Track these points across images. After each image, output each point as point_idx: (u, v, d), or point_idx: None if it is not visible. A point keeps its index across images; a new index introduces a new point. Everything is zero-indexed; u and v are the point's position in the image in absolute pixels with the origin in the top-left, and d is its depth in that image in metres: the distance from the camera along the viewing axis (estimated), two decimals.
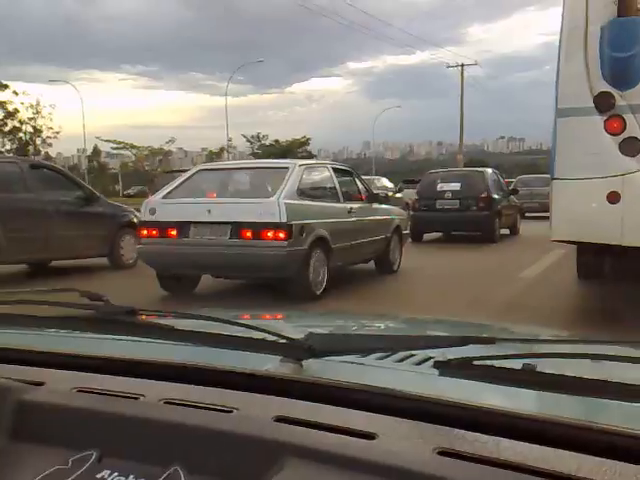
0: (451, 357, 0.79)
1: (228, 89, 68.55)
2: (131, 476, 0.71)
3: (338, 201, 7.45)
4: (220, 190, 7.16)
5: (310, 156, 53.29)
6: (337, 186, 7.51)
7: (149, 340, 0.92)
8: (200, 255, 6.44)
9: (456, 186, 13.71)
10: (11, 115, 51.23)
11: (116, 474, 0.71)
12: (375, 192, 9.00)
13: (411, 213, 13.98)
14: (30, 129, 51.96)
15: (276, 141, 54.34)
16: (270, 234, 6.19)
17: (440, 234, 14.37)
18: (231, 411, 0.75)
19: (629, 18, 4.66)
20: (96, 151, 59.42)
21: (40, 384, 0.84)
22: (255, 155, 52.05)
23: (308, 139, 55.60)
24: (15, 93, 50.83)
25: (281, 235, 6.18)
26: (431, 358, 0.88)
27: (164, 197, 6.88)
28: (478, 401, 0.72)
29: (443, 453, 0.65)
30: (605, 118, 4.71)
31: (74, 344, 1.00)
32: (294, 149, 51.96)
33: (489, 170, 15.18)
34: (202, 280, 7.26)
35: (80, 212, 8.93)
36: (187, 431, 0.72)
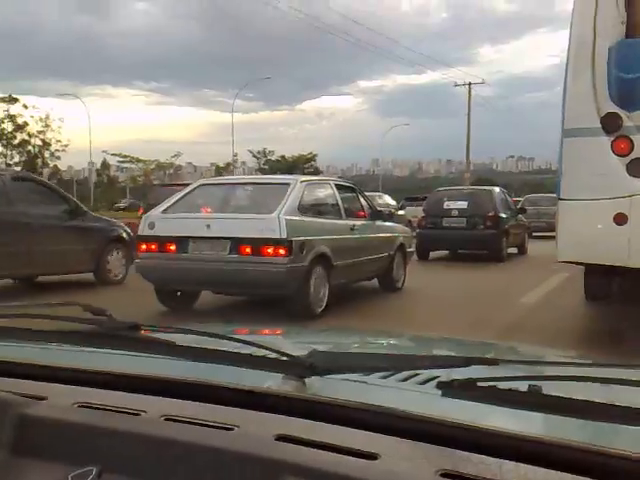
0: (455, 377, 0.79)
1: (239, 106, 69.15)
2: None
3: (340, 218, 7.34)
4: (220, 205, 7.07)
5: (317, 172, 53.37)
6: (339, 203, 7.40)
7: (151, 355, 0.92)
8: (199, 271, 6.34)
9: (463, 204, 13.60)
10: (20, 128, 51.68)
11: None
12: (379, 209, 8.89)
13: (417, 231, 13.88)
14: (39, 142, 52.36)
15: (282, 157, 54.53)
16: (270, 250, 6.09)
17: (446, 252, 14.23)
18: (232, 428, 0.74)
19: (638, 39, 4.63)
20: (105, 164, 59.71)
21: (42, 398, 0.83)
22: (262, 170, 52.24)
23: (314, 155, 55.75)
24: (25, 106, 51.38)
25: (281, 251, 6.07)
26: (435, 378, 0.87)
27: (164, 211, 6.80)
28: (482, 423, 0.72)
29: (446, 475, 0.64)
30: (612, 139, 4.64)
31: (77, 359, 0.98)
32: (300, 165, 52.06)
33: (496, 189, 15.06)
34: (202, 295, 7.15)
35: (65, 226, 8.58)
36: (188, 448, 0.71)
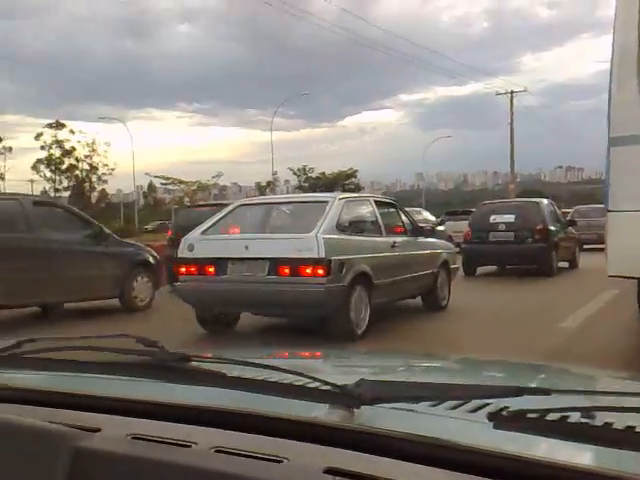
0: (505, 407, 0.79)
1: (281, 124, 69.84)
2: None
3: (381, 235, 7.19)
4: (259, 225, 7.02)
5: (357, 188, 53.06)
6: (379, 219, 7.25)
7: (201, 386, 0.92)
8: (238, 292, 6.28)
9: (510, 218, 13.24)
10: (68, 153, 53.24)
11: None
12: (420, 225, 8.70)
13: (463, 246, 13.59)
14: (86, 166, 53.78)
15: (322, 174, 54.47)
16: (308, 270, 5.98)
17: (494, 268, 13.86)
18: (281, 461, 0.74)
19: None
20: (151, 187, 60.96)
21: (96, 430, 0.84)
22: (301, 188, 52.25)
23: (355, 171, 55.42)
24: (72, 132, 52.99)
25: (320, 271, 5.95)
26: (485, 406, 0.86)
27: (203, 232, 6.78)
28: (532, 454, 0.70)
29: None
30: None
31: (129, 389, 1.00)
32: (341, 181, 51.90)
33: (545, 201, 14.64)
34: (242, 317, 7.08)
35: (87, 251, 8.40)
36: None
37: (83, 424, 0.86)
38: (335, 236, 6.25)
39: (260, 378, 0.93)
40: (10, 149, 52.01)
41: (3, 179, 51.00)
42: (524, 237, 12.82)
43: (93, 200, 57.42)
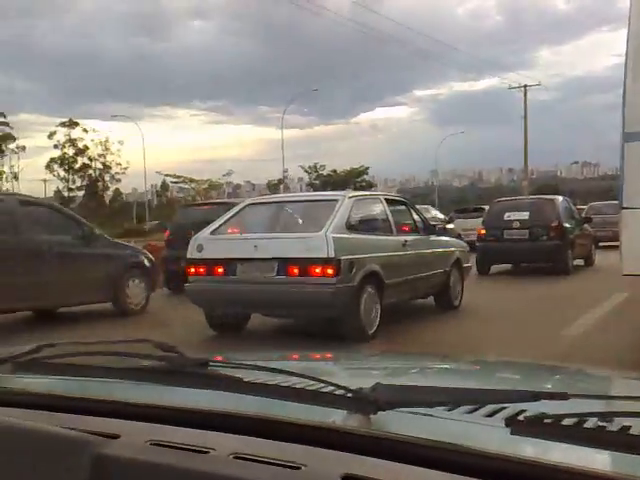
0: (523, 412, 0.81)
1: (295, 122, 69.65)
2: None
3: (391, 234, 7.10)
4: (268, 224, 6.96)
5: (369, 185, 52.76)
6: (390, 218, 7.15)
7: (220, 392, 0.92)
8: (247, 293, 6.23)
9: (525, 215, 13.07)
10: (81, 152, 53.42)
11: None
12: (432, 223, 8.59)
13: (477, 244, 13.44)
14: (99, 165, 53.91)
15: (334, 171, 54.22)
16: (318, 270, 5.91)
17: (508, 266, 13.70)
18: (299, 467, 0.74)
19: None
20: (164, 186, 61.00)
21: (116, 436, 0.85)
22: (312, 186, 52.05)
23: (366, 168, 55.08)
24: (85, 130, 53.23)
25: (329, 271, 5.88)
26: (502, 410, 0.86)
27: (212, 232, 6.73)
28: (550, 459, 0.70)
29: None
30: None
31: (148, 395, 0.99)
32: (352, 178, 51.63)
33: (560, 197, 14.44)
34: (253, 317, 7.02)
35: (77, 253, 8.00)
36: None
37: (102, 430, 0.86)
38: (345, 235, 6.17)
39: (277, 383, 0.94)
40: (24, 148, 52.35)
41: (17, 179, 51.29)
42: (539, 235, 12.66)
43: (107, 199, 57.72)
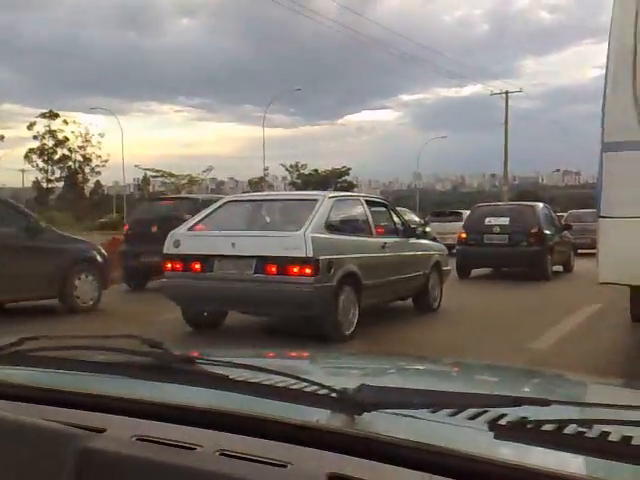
0: (505, 416, 0.84)
1: (280, 121, 69.71)
2: None
3: (371, 235, 7.08)
4: (246, 222, 6.91)
5: (351, 186, 52.80)
6: (370, 219, 7.13)
7: (205, 388, 0.92)
8: (224, 290, 6.17)
9: (505, 220, 13.17)
10: (61, 143, 52.89)
11: None
12: (412, 226, 8.58)
13: (457, 248, 13.51)
14: (79, 157, 53.41)
15: (315, 170, 54.17)
16: (296, 269, 5.87)
17: (488, 270, 13.78)
18: (285, 466, 0.74)
19: None
20: (146, 180, 60.49)
21: (101, 430, 0.84)
22: (294, 184, 51.93)
23: (348, 169, 55.15)
24: (65, 122, 52.71)
25: (307, 270, 5.85)
26: (484, 413, 0.88)
27: (189, 229, 6.66)
28: (531, 463, 0.71)
29: None
30: None
31: (133, 390, 0.98)
32: (334, 179, 51.62)
33: (540, 204, 14.58)
34: (230, 314, 6.96)
35: (20, 246, 7.54)
36: None
37: (88, 424, 0.86)
38: (324, 235, 6.14)
39: (263, 382, 0.94)
40: (2, 138, 51.74)
41: None
42: (519, 240, 12.76)
43: (87, 191, 57.20)
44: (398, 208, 9.53)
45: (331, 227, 6.39)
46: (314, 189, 36.16)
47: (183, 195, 14.19)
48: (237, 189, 79.51)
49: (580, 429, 0.77)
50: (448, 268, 8.85)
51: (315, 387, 0.91)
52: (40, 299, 7.92)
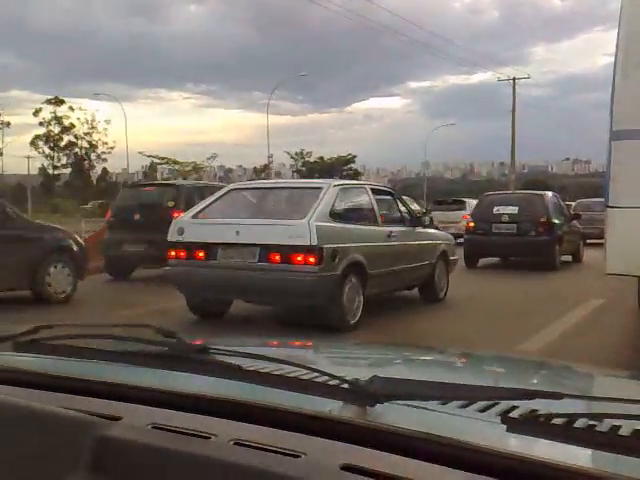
0: (517, 409, 0.85)
1: (288, 108, 69.32)
2: None
3: (376, 224, 7.00)
4: (251, 210, 6.85)
5: (356, 174, 52.41)
6: (375, 208, 7.05)
7: (219, 378, 0.93)
8: (227, 279, 6.13)
9: (514, 209, 13.04)
10: (67, 130, 52.87)
11: None
12: (419, 215, 8.49)
13: (465, 237, 13.41)
14: (85, 144, 53.36)
15: (320, 158, 53.79)
16: (300, 258, 5.81)
17: (496, 260, 13.67)
18: (299, 456, 0.74)
19: None
20: (153, 167, 60.35)
21: (117, 418, 0.85)
22: (299, 172, 51.59)
23: (354, 156, 54.68)
24: (71, 108, 52.66)
25: (311, 259, 5.79)
26: (495, 405, 0.88)
27: (193, 216, 6.61)
28: (543, 456, 0.71)
29: None
30: None
31: (149, 379, 0.99)
32: (339, 166, 51.24)
33: (549, 193, 14.40)
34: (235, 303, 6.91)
35: None
36: (256, 475, 0.72)
37: (104, 412, 0.87)
38: (328, 224, 6.07)
39: (276, 372, 0.95)
40: (8, 124, 51.77)
41: (1, 154, 50.74)
42: (527, 229, 12.64)
43: (93, 178, 57.25)
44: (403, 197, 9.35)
45: (336, 216, 6.32)
46: (319, 177, 35.96)
47: (168, 182, 13.83)
48: (245, 176, 79.48)
49: (591, 422, 0.77)
50: (455, 258, 8.76)
51: (326, 377, 0.91)
52: (10, 290, 7.62)
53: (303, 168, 52.06)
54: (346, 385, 0.87)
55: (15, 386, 0.97)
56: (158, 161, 51.39)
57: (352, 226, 6.55)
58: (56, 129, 53.19)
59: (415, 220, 7.89)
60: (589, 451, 0.74)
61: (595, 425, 0.78)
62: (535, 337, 5.77)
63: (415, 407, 0.86)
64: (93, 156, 54.50)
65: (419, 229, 7.86)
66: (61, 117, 52.73)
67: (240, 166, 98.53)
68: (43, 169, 55.65)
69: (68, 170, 55.57)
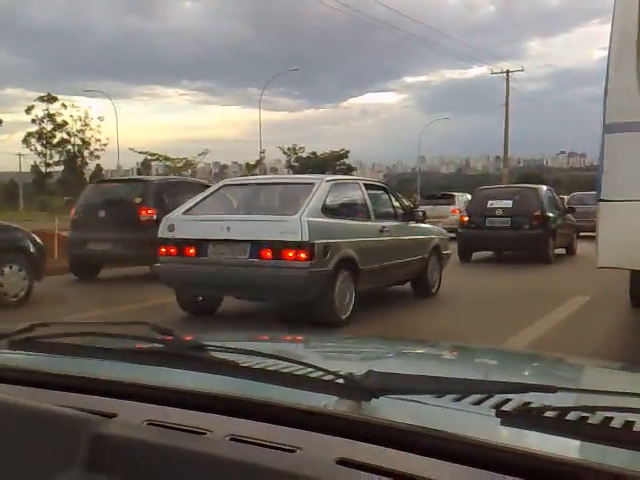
0: (511, 402, 0.85)
1: (284, 104, 69.17)
2: None
3: (369, 219, 6.97)
4: (242, 206, 6.81)
5: (349, 169, 52.31)
6: (368, 203, 7.02)
7: (214, 374, 0.93)
8: (218, 275, 6.09)
9: (508, 203, 13.06)
10: (59, 127, 52.66)
11: None
12: (413, 210, 8.45)
13: (459, 231, 13.42)
14: (78, 141, 53.15)
15: (313, 153, 53.61)
16: (291, 254, 5.78)
17: (490, 254, 13.68)
18: (295, 450, 0.74)
19: None
20: (146, 163, 60.13)
21: (113, 415, 0.85)
22: (291, 168, 51.43)
23: (347, 152, 54.53)
24: (64, 106, 52.43)
25: (303, 255, 5.76)
26: (488, 398, 0.89)
27: (185, 212, 6.57)
28: (538, 449, 0.71)
29: None
30: None
31: (145, 376, 0.99)
32: (332, 162, 51.11)
33: (543, 187, 14.44)
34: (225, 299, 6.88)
35: None
36: (252, 470, 0.72)
37: (99, 409, 0.87)
38: (320, 219, 6.04)
39: (271, 368, 0.96)
40: (1, 122, 51.60)
41: None
42: (521, 223, 12.66)
43: (87, 175, 56.99)
44: None
45: (328, 211, 6.28)
46: (312, 172, 35.90)
47: (135, 177, 13.35)
48: (240, 173, 79.34)
49: (583, 415, 0.78)
50: (448, 252, 8.74)
51: (321, 372, 0.91)
52: None
53: (296, 164, 51.93)
54: (341, 380, 0.88)
55: (10, 384, 0.98)
56: (150, 157, 51.20)
57: (344, 221, 6.52)
58: (49, 126, 52.98)
59: (409, 215, 7.87)
60: (583, 443, 0.75)
61: (587, 417, 0.78)
62: (528, 329, 5.76)
63: (410, 401, 0.86)
64: (86, 153, 54.30)
65: (412, 224, 7.84)
66: (54, 114, 52.53)
67: (235, 162, 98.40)
68: (35, 166, 55.44)
69: (61, 167, 55.33)
